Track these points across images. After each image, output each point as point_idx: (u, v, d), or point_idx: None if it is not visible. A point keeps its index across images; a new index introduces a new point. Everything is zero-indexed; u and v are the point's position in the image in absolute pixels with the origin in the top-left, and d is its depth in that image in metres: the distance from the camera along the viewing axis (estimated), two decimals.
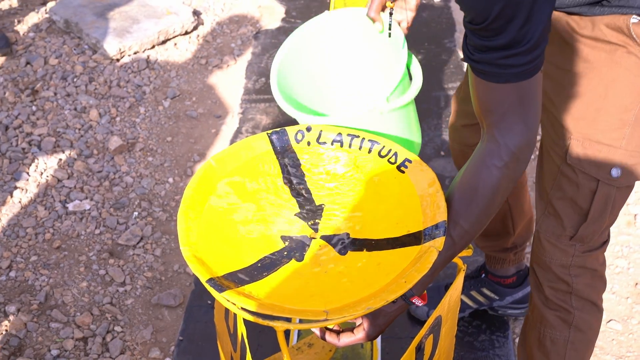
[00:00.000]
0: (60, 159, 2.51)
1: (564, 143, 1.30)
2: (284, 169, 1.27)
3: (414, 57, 1.35)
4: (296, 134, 1.29)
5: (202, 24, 3.27)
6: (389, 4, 1.32)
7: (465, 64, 1.84)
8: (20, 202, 2.36)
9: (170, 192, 2.44)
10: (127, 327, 2.00)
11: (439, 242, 1.10)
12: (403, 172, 1.23)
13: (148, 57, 3.02)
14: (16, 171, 2.45)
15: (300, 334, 1.89)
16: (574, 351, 1.51)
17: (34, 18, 3.23)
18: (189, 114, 2.77)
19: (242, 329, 1.20)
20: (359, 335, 1.19)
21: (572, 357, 1.51)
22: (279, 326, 1.07)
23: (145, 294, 2.10)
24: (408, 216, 1.17)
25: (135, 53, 3.02)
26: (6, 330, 1.97)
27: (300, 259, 1.14)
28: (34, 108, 2.72)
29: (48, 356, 1.91)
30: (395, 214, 1.19)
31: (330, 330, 1.21)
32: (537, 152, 1.43)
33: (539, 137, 1.93)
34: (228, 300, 1.06)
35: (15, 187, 2.40)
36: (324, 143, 1.29)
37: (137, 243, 2.24)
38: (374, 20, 1.35)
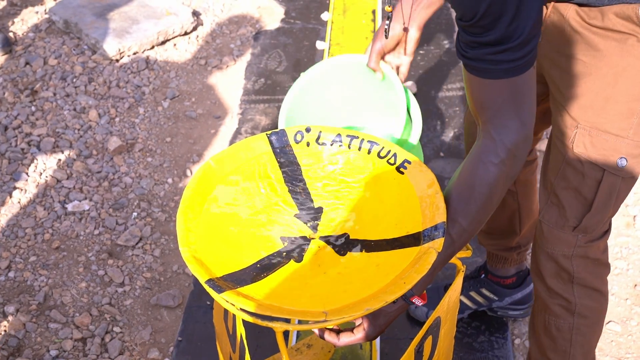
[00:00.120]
0: (60, 160, 2.51)
1: (571, 132, 1.31)
2: (284, 170, 1.27)
3: (413, 101, 1.39)
4: (295, 134, 1.29)
5: (202, 24, 3.27)
6: (387, 8, 1.33)
7: None
8: (19, 202, 2.36)
9: (170, 193, 2.44)
10: (126, 327, 2.00)
11: (438, 243, 1.10)
12: (402, 173, 1.23)
13: (147, 57, 3.02)
14: (15, 171, 2.45)
15: (299, 335, 1.89)
16: (580, 335, 1.52)
17: (33, 18, 3.23)
18: (188, 115, 2.77)
19: (241, 330, 1.20)
20: (358, 335, 1.19)
21: (578, 341, 1.53)
22: (278, 327, 1.07)
23: (144, 295, 2.10)
24: (407, 217, 1.17)
25: (134, 53, 3.02)
26: (5, 331, 1.97)
27: (299, 259, 1.14)
28: (33, 108, 2.72)
29: (47, 357, 1.91)
30: (394, 214, 1.19)
31: (330, 329, 1.21)
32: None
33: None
34: (227, 301, 1.06)
35: (15, 188, 2.40)
36: (324, 144, 1.29)
37: (136, 243, 2.24)
38: (374, 70, 1.36)
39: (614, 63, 1.22)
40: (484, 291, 1.90)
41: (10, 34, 3.11)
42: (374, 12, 3.31)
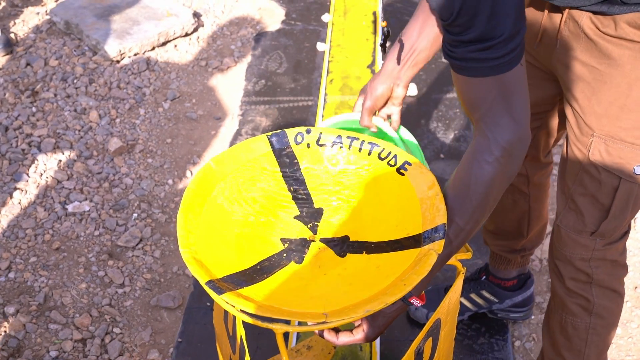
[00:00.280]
0: (60, 160, 2.51)
1: (587, 140, 1.32)
2: (284, 171, 1.27)
3: (412, 146, 1.40)
4: (296, 136, 1.29)
5: (202, 25, 3.27)
6: (382, 23, 1.34)
7: None
8: (19, 203, 2.36)
9: (170, 194, 2.44)
10: (126, 328, 2.00)
11: (438, 245, 1.10)
12: (403, 174, 1.23)
13: (148, 58, 3.02)
14: (16, 172, 2.45)
15: (299, 336, 1.89)
16: (596, 335, 1.53)
17: (34, 19, 3.23)
18: (189, 116, 2.77)
19: (241, 331, 1.20)
20: (357, 336, 1.19)
21: (594, 341, 1.54)
22: (278, 328, 1.07)
23: (144, 296, 2.10)
24: (407, 219, 1.17)
25: (135, 55, 3.02)
26: (5, 332, 1.97)
27: (299, 261, 1.14)
28: (34, 109, 2.72)
29: (47, 357, 1.91)
30: (394, 216, 1.19)
31: (330, 329, 1.21)
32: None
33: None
34: (227, 303, 1.05)
35: (15, 188, 2.40)
36: (324, 145, 1.29)
37: (137, 245, 2.24)
38: (368, 127, 1.37)
39: (628, 72, 1.23)
40: (485, 293, 1.90)
41: (11, 35, 3.11)
42: (374, 13, 3.31)
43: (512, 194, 1.70)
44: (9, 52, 2.99)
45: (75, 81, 2.86)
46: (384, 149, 1.26)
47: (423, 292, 1.19)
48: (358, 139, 1.28)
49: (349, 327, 1.22)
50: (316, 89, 2.86)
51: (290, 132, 1.30)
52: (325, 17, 3.31)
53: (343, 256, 1.15)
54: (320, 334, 1.21)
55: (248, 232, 1.18)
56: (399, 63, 1.30)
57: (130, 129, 2.67)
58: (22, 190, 2.40)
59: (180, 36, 3.16)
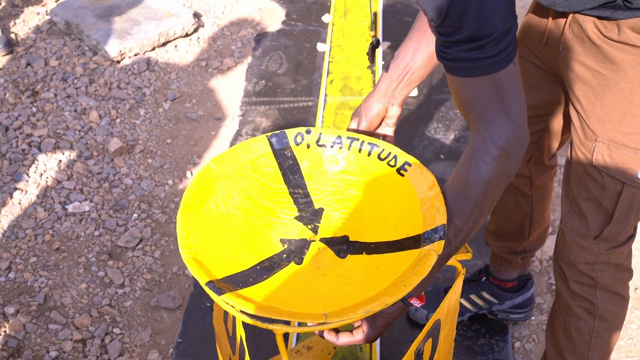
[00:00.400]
0: (60, 161, 2.51)
1: (590, 145, 1.32)
2: (284, 172, 1.27)
3: None
4: (296, 136, 1.29)
5: (203, 26, 3.27)
6: (370, 33, 1.35)
7: None
8: (19, 203, 2.36)
9: (170, 194, 2.44)
10: (126, 329, 2.00)
11: (438, 246, 1.10)
12: (403, 175, 1.23)
13: (148, 59, 3.02)
14: (16, 172, 2.45)
15: (299, 336, 1.89)
16: (599, 339, 1.54)
17: (34, 19, 3.23)
18: (189, 116, 2.77)
19: (241, 332, 1.20)
20: (357, 336, 1.19)
21: (597, 344, 1.54)
22: (278, 329, 1.07)
23: (144, 296, 2.10)
24: (407, 219, 1.17)
25: (135, 55, 3.02)
26: (5, 332, 1.97)
27: (299, 262, 1.14)
28: (34, 109, 2.72)
29: (47, 358, 1.91)
30: (394, 217, 1.19)
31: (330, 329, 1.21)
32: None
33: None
34: (227, 303, 1.05)
35: (15, 189, 2.40)
36: (324, 146, 1.29)
37: (137, 245, 2.24)
38: None
39: (631, 77, 1.23)
40: (484, 294, 1.90)
41: (12, 35, 3.11)
42: (375, 14, 3.31)
43: (515, 196, 1.70)
44: (9, 52, 2.99)
45: (75, 81, 2.86)
46: (383, 149, 1.26)
47: (423, 292, 1.19)
48: (358, 139, 1.28)
49: (349, 328, 1.22)
50: (316, 90, 2.86)
51: (290, 133, 1.30)
52: (325, 18, 3.32)
53: (343, 257, 1.15)
54: (321, 334, 1.21)
55: (248, 233, 1.18)
56: (393, 82, 1.31)
57: (130, 129, 2.67)
58: (22, 191, 2.40)
59: (181, 36, 3.16)
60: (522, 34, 1.45)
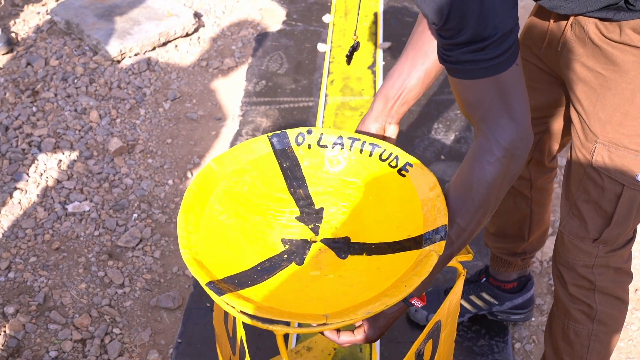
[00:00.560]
0: (60, 160, 2.51)
1: (591, 147, 1.31)
2: (285, 172, 1.27)
3: None
4: (297, 136, 1.29)
5: (203, 26, 3.27)
6: (353, 37, 1.35)
7: None
8: (19, 203, 2.35)
9: (170, 194, 2.43)
10: (126, 329, 2.00)
11: (439, 246, 1.09)
12: (404, 175, 1.23)
13: (149, 58, 3.02)
14: (16, 172, 2.45)
15: (299, 337, 1.89)
16: (598, 342, 1.53)
17: (35, 19, 3.23)
18: (189, 116, 2.77)
19: (241, 332, 1.20)
20: (358, 336, 1.19)
21: (596, 348, 1.54)
22: (278, 330, 1.07)
23: (144, 296, 2.09)
24: (408, 220, 1.17)
25: (136, 55, 3.02)
26: (4, 332, 1.96)
27: (300, 262, 1.14)
28: (34, 109, 2.71)
29: (46, 358, 1.91)
30: (395, 217, 1.19)
31: None
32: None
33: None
34: (227, 304, 1.05)
35: (15, 188, 2.40)
36: (325, 146, 1.29)
37: (137, 245, 2.23)
38: None
39: (632, 78, 1.23)
40: (484, 295, 1.90)
41: (12, 35, 3.11)
42: (375, 14, 3.31)
43: (514, 198, 1.70)
44: (9, 50, 2.99)
45: (75, 81, 2.86)
46: (384, 150, 1.26)
47: (424, 293, 1.19)
48: (359, 140, 1.28)
49: (351, 327, 1.21)
50: (317, 90, 2.86)
51: (291, 133, 1.29)
52: (326, 18, 3.32)
53: (344, 257, 1.15)
54: (322, 332, 1.21)
55: (249, 233, 1.18)
56: (389, 101, 1.31)
57: (130, 129, 2.67)
58: (22, 190, 2.39)
59: (181, 36, 3.15)
60: (524, 36, 1.45)
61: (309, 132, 1.29)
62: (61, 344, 1.94)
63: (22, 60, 2.94)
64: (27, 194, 2.38)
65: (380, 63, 2.97)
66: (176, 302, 2.07)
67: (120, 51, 2.97)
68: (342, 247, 1.17)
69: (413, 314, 1.93)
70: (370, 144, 1.27)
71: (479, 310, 1.91)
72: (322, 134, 1.29)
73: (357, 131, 1.34)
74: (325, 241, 1.18)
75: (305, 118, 2.73)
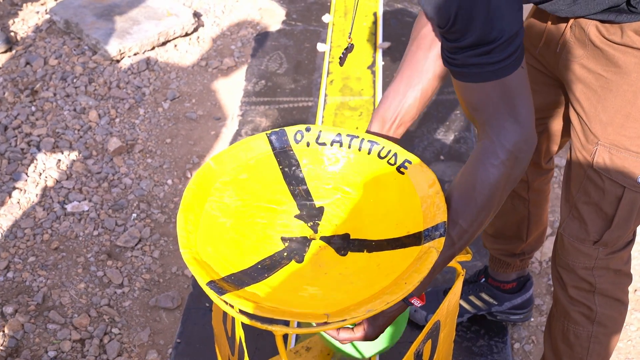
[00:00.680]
0: (59, 160, 2.50)
1: (592, 148, 1.31)
2: (283, 170, 1.27)
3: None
4: (295, 134, 1.29)
5: (203, 25, 3.27)
6: (347, 39, 1.35)
7: None
8: (18, 202, 2.35)
9: (169, 194, 2.43)
10: (125, 329, 2.00)
11: (439, 243, 1.09)
12: (403, 173, 1.23)
13: (148, 58, 3.01)
14: (15, 171, 2.45)
15: (298, 337, 1.89)
16: (597, 344, 1.53)
17: (34, 18, 3.23)
18: (189, 116, 2.76)
19: (240, 332, 1.20)
20: (357, 334, 1.19)
21: (596, 349, 1.53)
22: (278, 330, 1.07)
23: (143, 296, 2.09)
24: (408, 217, 1.17)
25: (135, 54, 3.02)
26: (3, 332, 1.96)
27: (300, 260, 1.14)
28: (33, 108, 2.71)
29: (45, 358, 1.91)
30: (395, 215, 1.19)
31: None
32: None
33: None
34: (227, 303, 1.05)
35: (14, 188, 2.39)
36: (323, 144, 1.29)
37: (136, 245, 2.23)
38: None
39: (634, 80, 1.22)
40: (484, 295, 1.89)
41: (11, 34, 3.10)
42: (375, 14, 3.31)
43: (512, 199, 1.70)
44: (8, 48, 2.99)
45: (74, 80, 2.86)
46: (383, 147, 1.26)
47: (423, 292, 1.19)
48: (357, 137, 1.28)
49: (350, 324, 1.21)
50: (316, 90, 2.86)
51: (290, 131, 1.29)
52: (325, 18, 3.31)
53: (344, 255, 1.14)
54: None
55: (248, 232, 1.18)
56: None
57: (129, 129, 2.67)
58: (21, 190, 2.39)
59: (180, 36, 3.15)
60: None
61: (308, 129, 1.29)
62: (60, 343, 1.94)
63: (21, 59, 2.94)
64: (26, 193, 2.38)
65: (379, 63, 2.97)
66: (175, 302, 2.06)
67: (120, 51, 2.96)
68: (342, 244, 1.17)
69: (412, 314, 1.93)
70: (368, 141, 1.27)
71: (478, 310, 1.91)
72: (320, 131, 1.29)
73: None
74: (325, 239, 1.18)
75: (305, 118, 2.73)
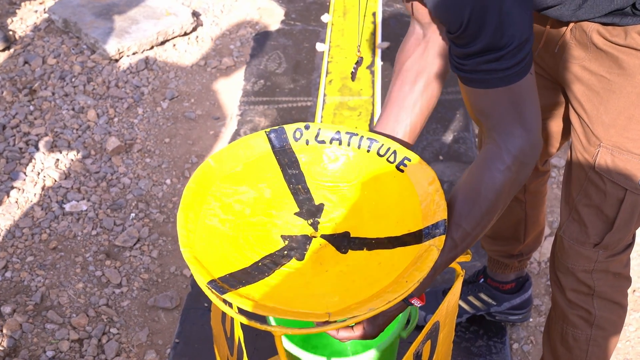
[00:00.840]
0: (58, 159, 2.50)
1: (593, 150, 1.30)
2: (283, 168, 1.26)
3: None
4: (294, 132, 1.29)
5: (201, 25, 3.27)
6: (356, 53, 1.35)
7: None
8: (17, 202, 2.35)
9: (168, 194, 2.43)
10: (123, 329, 1.99)
11: (439, 241, 1.09)
12: (402, 171, 1.22)
13: (147, 57, 3.01)
14: (13, 171, 2.44)
15: None
16: (596, 347, 1.52)
17: (32, 17, 3.22)
18: (187, 116, 2.76)
19: (239, 333, 1.19)
20: (357, 333, 1.18)
21: (595, 352, 1.53)
22: (277, 331, 1.06)
23: (142, 296, 2.09)
24: (408, 215, 1.17)
25: (134, 54, 3.01)
26: (1, 332, 1.96)
27: (300, 258, 1.13)
28: (31, 108, 2.71)
29: (43, 357, 1.90)
30: (394, 213, 1.18)
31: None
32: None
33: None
34: (226, 303, 1.05)
35: (12, 187, 2.39)
36: (323, 142, 1.29)
37: (134, 244, 2.23)
38: None
39: (637, 82, 1.22)
40: (483, 296, 1.89)
41: (9, 33, 3.10)
42: (374, 14, 3.31)
43: None
44: (6, 47, 2.98)
45: (73, 80, 2.85)
46: (382, 145, 1.26)
47: (423, 292, 1.19)
48: (357, 135, 1.27)
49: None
50: (315, 90, 2.86)
51: (289, 129, 1.29)
52: (324, 18, 3.31)
53: (344, 253, 1.14)
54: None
55: (248, 230, 1.17)
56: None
57: (128, 128, 2.67)
58: (20, 189, 2.39)
59: (179, 35, 3.15)
60: None
61: (307, 127, 1.29)
62: (58, 343, 1.94)
63: (19, 58, 2.93)
64: (24, 193, 2.38)
65: (379, 63, 2.97)
66: (174, 302, 2.06)
67: (118, 50, 2.96)
68: (343, 242, 1.16)
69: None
70: (368, 139, 1.27)
71: (477, 310, 1.91)
72: (319, 129, 1.29)
73: None
74: (325, 237, 1.17)
75: (304, 118, 2.73)
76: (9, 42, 3.01)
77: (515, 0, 0.98)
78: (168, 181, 2.47)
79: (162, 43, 3.10)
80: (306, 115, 2.73)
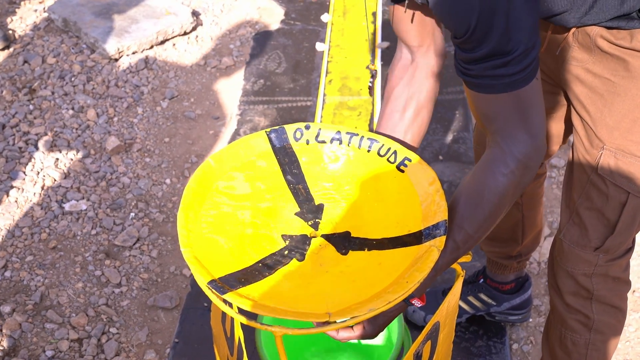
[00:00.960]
0: (57, 159, 2.50)
1: (596, 153, 1.29)
2: (283, 168, 1.26)
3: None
4: (295, 132, 1.29)
5: (201, 24, 3.26)
6: (371, 66, 1.35)
7: None
8: (16, 201, 2.35)
9: (168, 194, 2.43)
10: (123, 328, 1.99)
11: (439, 241, 1.09)
12: (403, 171, 1.22)
13: (146, 57, 3.01)
14: (13, 170, 2.44)
15: None
16: (595, 351, 1.52)
17: (32, 16, 3.22)
18: (187, 115, 2.76)
19: (239, 333, 1.19)
20: (357, 332, 1.18)
21: (593, 356, 1.53)
22: (278, 331, 1.06)
23: (141, 296, 2.09)
24: (408, 215, 1.16)
25: (133, 53, 3.01)
26: (1, 331, 1.95)
27: (301, 258, 1.13)
28: (31, 107, 2.71)
29: (43, 357, 1.90)
30: (395, 213, 1.18)
31: None
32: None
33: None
34: (227, 303, 1.05)
35: (12, 187, 2.39)
36: (323, 141, 1.28)
37: (134, 244, 2.23)
38: None
39: None
40: (482, 296, 1.89)
41: (9, 32, 3.09)
42: (374, 14, 3.31)
43: None
44: (6, 46, 2.98)
45: (73, 79, 2.85)
46: (383, 145, 1.26)
47: (424, 292, 1.19)
48: (357, 135, 1.27)
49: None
50: (315, 89, 2.86)
51: (289, 128, 1.29)
52: (324, 17, 3.31)
53: (345, 253, 1.14)
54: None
55: (248, 230, 1.17)
56: None
57: (128, 128, 2.66)
58: (19, 189, 2.38)
59: (179, 35, 3.15)
60: None
61: (307, 127, 1.29)
62: (58, 343, 1.93)
63: (19, 57, 2.93)
64: (23, 192, 2.38)
65: (378, 63, 2.97)
66: (173, 301, 2.06)
67: (118, 49, 2.96)
68: (343, 242, 1.16)
69: (411, 315, 1.92)
70: (368, 139, 1.27)
71: (477, 311, 1.91)
72: (320, 129, 1.29)
73: None
74: (326, 237, 1.17)
75: (304, 117, 2.72)
76: (9, 41, 3.00)
77: (522, 6, 0.98)
78: (168, 181, 2.47)
79: (162, 42, 3.10)
80: (306, 115, 2.73)
